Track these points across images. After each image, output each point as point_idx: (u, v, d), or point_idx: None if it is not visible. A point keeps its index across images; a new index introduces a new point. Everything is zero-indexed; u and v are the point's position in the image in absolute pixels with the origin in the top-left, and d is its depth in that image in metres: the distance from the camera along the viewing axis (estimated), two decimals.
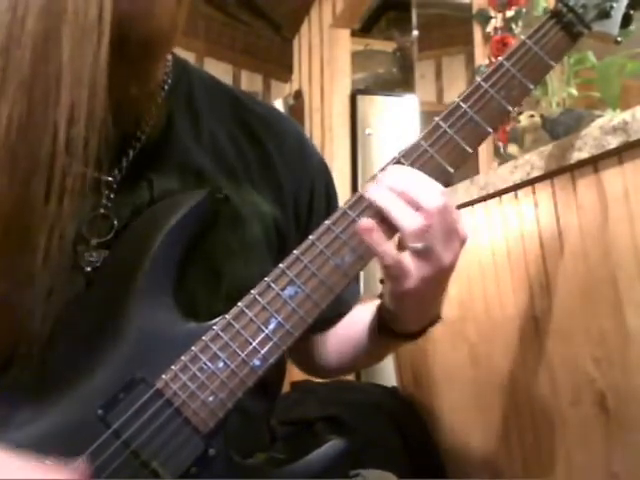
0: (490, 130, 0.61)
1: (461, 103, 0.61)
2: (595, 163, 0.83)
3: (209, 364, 0.55)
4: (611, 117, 0.80)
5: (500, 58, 0.62)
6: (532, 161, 0.93)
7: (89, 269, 0.59)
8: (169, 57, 0.70)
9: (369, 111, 2.98)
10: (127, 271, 0.57)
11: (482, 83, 0.61)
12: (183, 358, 0.55)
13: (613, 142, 0.77)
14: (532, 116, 1.09)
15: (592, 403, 0.86)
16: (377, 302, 0.69)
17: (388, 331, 0.65)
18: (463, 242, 0.58)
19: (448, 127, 0.60)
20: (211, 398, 0.54)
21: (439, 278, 0.58)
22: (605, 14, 0.65)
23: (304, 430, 1.22)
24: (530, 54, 0.62)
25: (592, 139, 0.81)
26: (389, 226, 0.57)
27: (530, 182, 0.96)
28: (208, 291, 0.62)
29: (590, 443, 0.87)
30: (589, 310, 0.86)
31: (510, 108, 0.61)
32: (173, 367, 0.55)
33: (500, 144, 1.60)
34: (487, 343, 1.13)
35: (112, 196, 0.61)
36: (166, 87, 0.67)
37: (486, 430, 1.17)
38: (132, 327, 0.56)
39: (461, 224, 0.58)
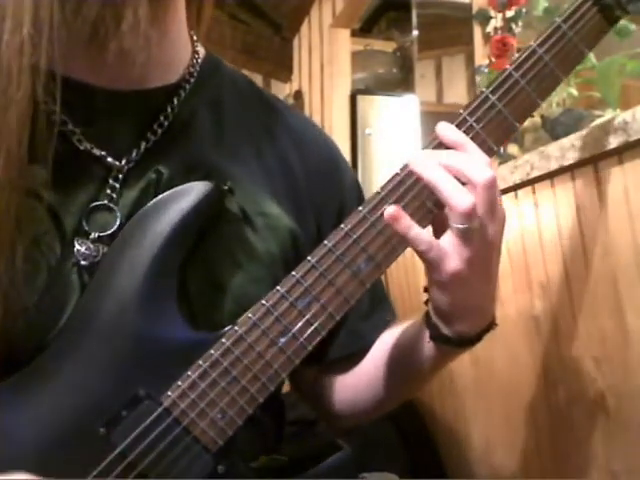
0: (518, 125, 0.58)
1: (490, 95, 0.58)
2: (595, 163, 0.83)
3: (219, 380, 0.52)
4: (611, 117, 0.80)
5: (532, 43, 0.58)
6: (532, 161, 0.93)
7: (86, 263, 0.56)
8: (201, 51, 0.68)
9: (369, 111, 2.98)
10: (128, 271, 0.55)
11: (513, 72, 0.57)
12: (191, 374, 0.52)
13: (613, 142, 0.77)
14: (532, 116, 1.09)
15: (592, 403, 0.86)
16: (409, 321, 0.65)
17: (441, 340, 0.60)
18: (503, 221, 0.56)
19: (474, 122, 0.57)
20: (220, 416, 0.52)
21: (483, 259, 0.55)
22: None
23: (305, 430, 1.22)
24: (565, 40, 0.58)
25: (592, 139, 0.81)
26: (427, 210, 0.55)
27: (530, 182, 0.96)
28: (209, 302, 0.59)
29: (590, 443, 0.87)
30: (589, 310, 0.86)
31: (540, 101, 0.58)
32: (180, 383, 0.52)
33: None
34: (487, 343, 1.13)
35: (117, 186, 0.59)
36: (192, 80, 0.65)
37: (486, 430, 1.17)
38: (133, 334, 0.53)
39: (500, 201, 0.55)
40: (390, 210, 0.54)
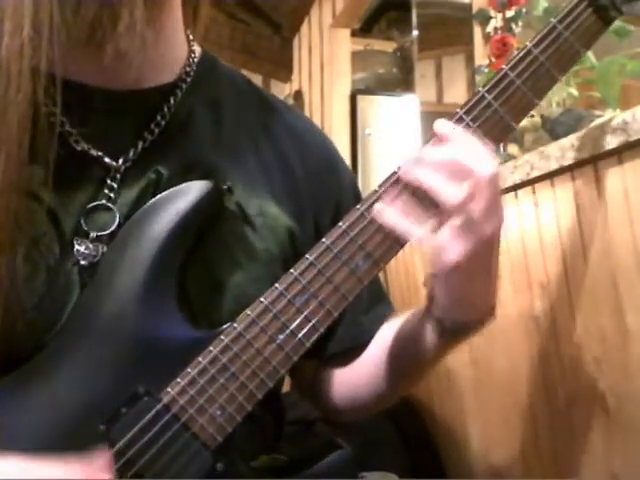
0: (514, 125, 0.58)
1: (486, 94, 0.58)
2: (595, 163, 0.83)
3: (218, 377, 0.53)
4: (611, 117, 0.80)
5: (528, 43, 0.58)
6: (532, 161, 0.93)
7: (86, 262, 0.56)
8: (197, 50, 0.67)
9: (369, 111, 2.98)
10: (127, 270, 0.55)
11: (508, 72, 0.58)
12: (190, 370, 0.53)
13: (613, 142, 0.77)
14: (532, 116, 1.09)
15: (592, 403, 0.86)
16: (409, 312, 0.66)
17: (442, 329, 0.60)
18: (502, 213, 0.55)
19: (470, 120, 0.57)
20: (219, 412, 0.52)
21: (481, 251, 0.54)
22: None
23: (304, 430, 1.22)
24: (560, 40, 0.58)
25: (592, 139, 0.81)
26: (424, 208, 0.55)
27: (530, 182, 0.96)
28: (208, 301, 0.59)
29: (590, 443, 0.87)
30: (589, 310, 0.86)
31: (537, 101, 0.58)
32: (179, 380, 0.52)
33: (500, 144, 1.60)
34: (487, 343, 1.13)
35: (115, 186, 0.59)
36: (189, 79, 0.64)
37: (486, 430, 1.17)
38: (133, 332, 0.54)
39: (501, 196, 0.55)
40: (377, 206, 0.55)
